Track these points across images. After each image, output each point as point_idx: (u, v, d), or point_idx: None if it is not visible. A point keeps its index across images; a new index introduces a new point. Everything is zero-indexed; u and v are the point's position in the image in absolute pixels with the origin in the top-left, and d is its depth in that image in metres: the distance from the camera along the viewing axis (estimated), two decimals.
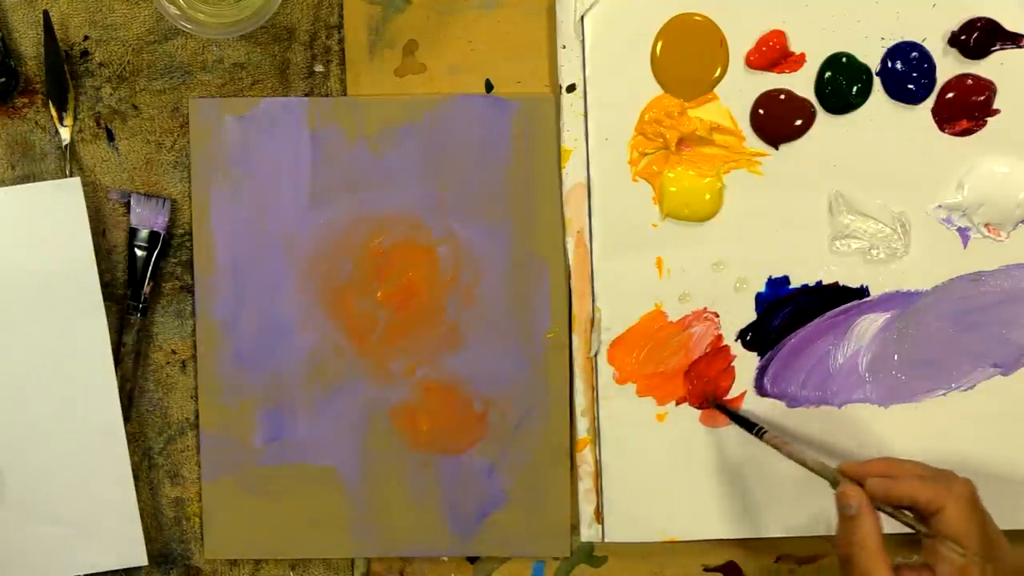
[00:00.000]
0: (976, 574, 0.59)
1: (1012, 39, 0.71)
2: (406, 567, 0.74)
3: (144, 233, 0.72)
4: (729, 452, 0.72)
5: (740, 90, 0.71)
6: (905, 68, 0.71)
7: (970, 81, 0.71)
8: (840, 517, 0.61)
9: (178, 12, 0.68)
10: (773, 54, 0.71)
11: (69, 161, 0.72)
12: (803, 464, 0.65)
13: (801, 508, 0.72)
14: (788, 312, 0.72)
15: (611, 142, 0.72)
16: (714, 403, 0.72)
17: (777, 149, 0.72)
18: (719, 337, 0.72)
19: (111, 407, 0.71)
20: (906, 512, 0.61)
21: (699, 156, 0.72)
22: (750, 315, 0.72)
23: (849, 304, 0.72)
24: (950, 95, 0.71)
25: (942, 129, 0.71)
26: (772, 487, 0.72)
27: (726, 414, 0.72)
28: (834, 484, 0.63)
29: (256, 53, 0.72)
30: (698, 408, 0.72)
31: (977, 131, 0.71)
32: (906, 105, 0.71)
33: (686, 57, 0.71)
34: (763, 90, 0.71)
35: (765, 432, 0.69)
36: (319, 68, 0.72)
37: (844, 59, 0.71)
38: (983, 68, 0.71)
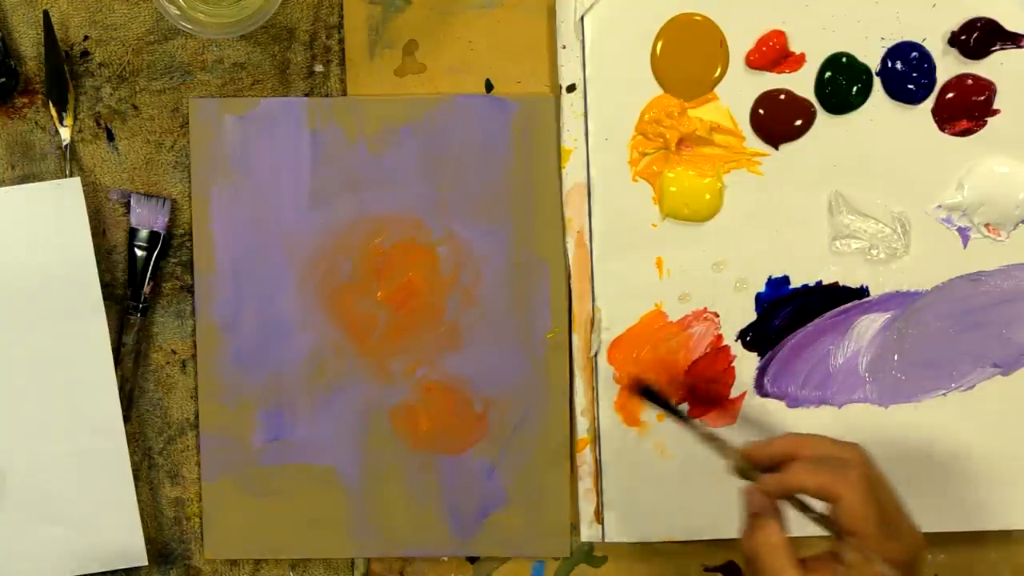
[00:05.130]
0: (876, 568, 0.57)
1: (1012, 39, 0.71)
2: (406, 567, 0.74)
3: (144, 233, 0.72)
4: None
5: (740, 90, 0.71)
6: (905, 68, 0.71)
7: (970, 81, 0.71)
8: (746, 515, 0.60)
9: (178, 12, 0.68)
10: (773, 54, 0.71)
11: (69, 161, 0.72)
12: (724, 457, 0.63)
13: None
14: (788, 312, 0.72)
15: (611, 142, 0.72)
16: (640, 389, 0.69)
17: (777, 149, 0.72)
18: (719, 337, 0.72)
19: (111, 407, 0.71)
20: (811, 508, 0.60)
21: (699, 156, 0.72)
22: (750, 315, 0.72)
23: (849, 304, 0.72)
24: (950, 95, 0.71)
25: (942, 129, 0.71)
26: None
27: (650, 399, 0.69)
28: (754, 478, 0.62)
29: (256, 53, 0.72)
30: (630, 391, 0.71)
31: (977, 131, 0.71)
32: (906, 105, 0.71)
33: (686, 57, 0.71)
34: (763, 90, 0.71)
35: (689, 418, 0.68)
36: (319, 68, 0.73)
37: (844, 59, 0.71)
38: (983, 68, 0.71)
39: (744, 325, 0.72)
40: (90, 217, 0.71)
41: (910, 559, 0.58)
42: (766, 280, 0.72)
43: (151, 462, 0.74)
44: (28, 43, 0.72)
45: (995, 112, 0.71)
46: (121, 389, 0.72)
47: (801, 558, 0.58)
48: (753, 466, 0.62)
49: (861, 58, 0.71)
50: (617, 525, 0.73)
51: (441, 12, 0.72)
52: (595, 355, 0.72)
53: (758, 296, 0.72)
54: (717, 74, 0.71)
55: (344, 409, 0.73)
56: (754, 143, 0.72)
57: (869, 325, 0.72)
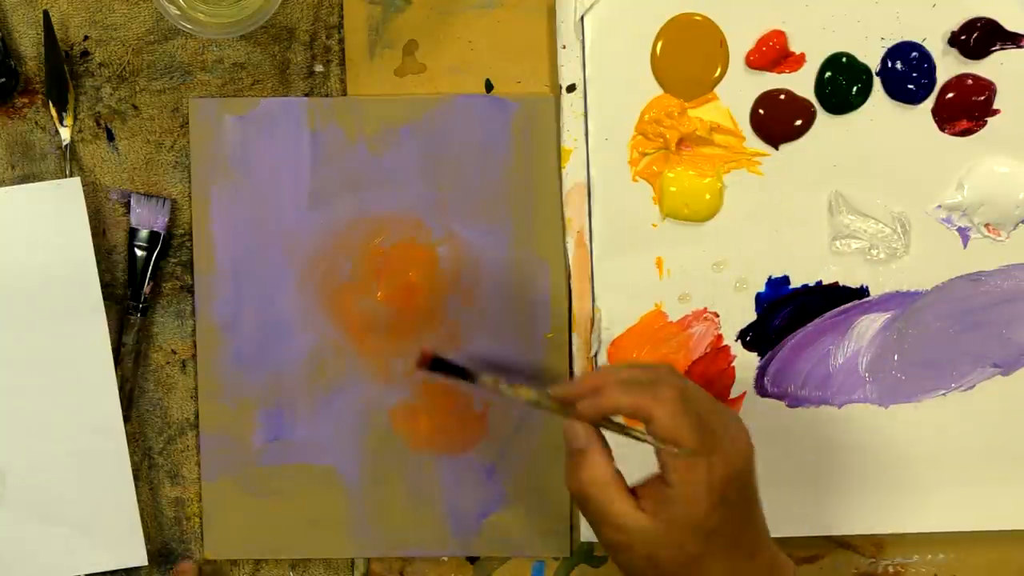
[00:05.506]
0: (701, 469, 0.56)
1: (1012, 39, 0.71)
2: (406, 567, 0.74)
3: (144, 233, 0.72)
4: None
5: (740, 90, 0.71)
6: (905, 68, 0.71)
7: (970, 81, 0.71)
8: (567, 453, 0.59)
9: (178, 12, 0.68)
10: (773, 54, 0.71)
11: (69, 161, 0.72)
12: (521, 400, 0.60)
13: (801, 508, 0.72)
14: (788, 312, 0.72)
15: (611, 142, 0.72)
16: (431, 362, 0.63)
17: (777, 149, 0.72)
18: (719, 337, 0.72)
19: (111, 407, 0.71)
20: (634, 429, 0.59)
21: (699, 156, 0.72)
22: (750, 315, 0.72)
23: (849, 304, 0.72)
24: (950, 95, 0.71)
25: (942, 129, 0.71)
26: (771, 488, 0.72)
27: (442, 370, 0.63)
28: (556, 411, 0.60)
29: (256, 53, 0.73)
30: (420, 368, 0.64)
31: (977, 131, 0.71)
32: (906, 105, 0.71)
33: (686, 57, 0.71)
34: (763, 90, 0.71)
35: (479, 377, 0.63)
36: (319, 68, 0.73)
37: (844, 59, 0.71)
38: (983, 68, 0.71)
39: (744, 325, 0.72)
40: (90, 217, 0.71)
41: (740, 469, 0.57)
42: (766, 280, 0.72)
43: (151, 462, 0.74)
44: (28, 43, 0.72)
45: (995, 112, 0.71)
46: (121, 389, 0.72)
47: (631, 487, 0.58)
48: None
49: (861, 58, 0.71)
50: None
51: (441, 12, 0.72)
52: (595, 355, 0.72)
53: (758, 296, 0.72)
54: (717, 74, 0.71)
55: (344, 409, 0.73)
56: (754, 143, 0.72)
57: (869, 325, 0.72)
